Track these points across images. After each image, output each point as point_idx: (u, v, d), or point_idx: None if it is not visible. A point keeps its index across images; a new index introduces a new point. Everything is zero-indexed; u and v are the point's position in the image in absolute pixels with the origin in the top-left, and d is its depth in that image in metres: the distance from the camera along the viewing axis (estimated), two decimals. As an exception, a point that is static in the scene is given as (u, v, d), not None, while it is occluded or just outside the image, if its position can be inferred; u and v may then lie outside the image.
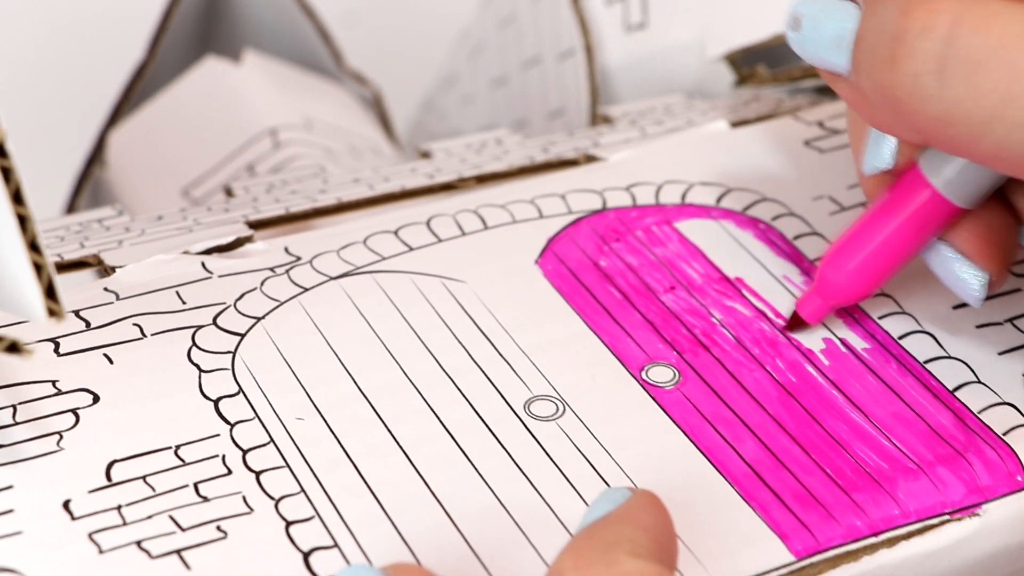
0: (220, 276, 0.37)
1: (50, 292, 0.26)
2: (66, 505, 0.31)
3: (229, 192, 0.44)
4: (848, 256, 0.35)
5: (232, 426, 0.33)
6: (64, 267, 0.38)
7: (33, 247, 0.26)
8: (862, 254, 0.35)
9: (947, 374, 0.35)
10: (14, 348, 0.28)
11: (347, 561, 0.30)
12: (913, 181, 0.34)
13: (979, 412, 0.34)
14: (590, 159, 0.42)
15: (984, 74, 0.30)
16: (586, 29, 0.51)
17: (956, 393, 0.35)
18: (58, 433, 0.33)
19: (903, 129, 0.32)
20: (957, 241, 0.34)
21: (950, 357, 0.36)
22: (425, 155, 0.45)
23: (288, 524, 0.31)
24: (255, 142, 0.50)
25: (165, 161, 0.51)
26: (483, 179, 0.42)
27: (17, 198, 0.26)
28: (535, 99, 0.55)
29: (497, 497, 0.32)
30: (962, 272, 0.34)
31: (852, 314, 0.37)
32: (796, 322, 0.36)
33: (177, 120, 0.52)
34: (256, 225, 0.39)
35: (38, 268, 0.26)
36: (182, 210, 0.42)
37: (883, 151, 0.34)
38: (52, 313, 0.27)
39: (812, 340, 0.36)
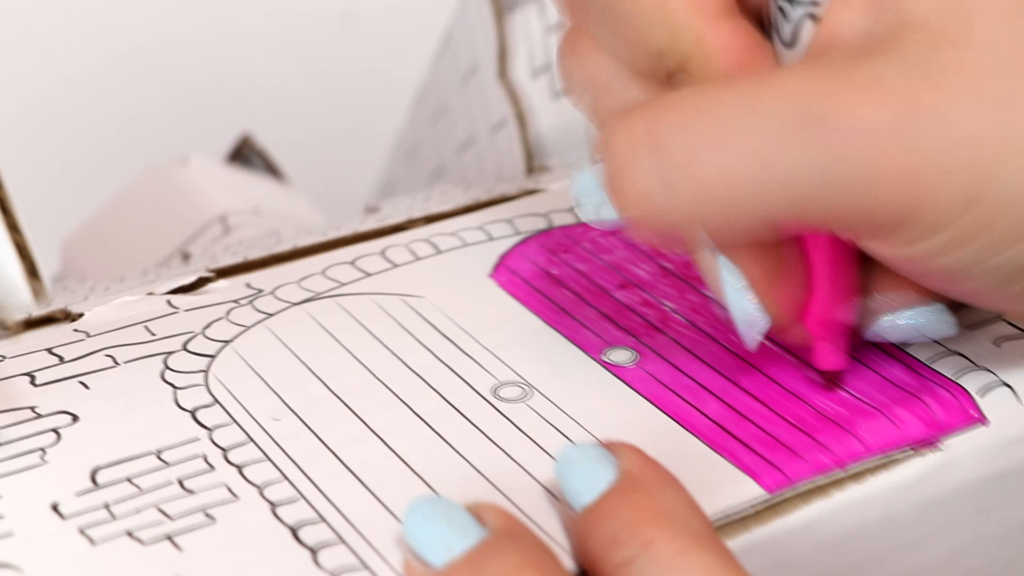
0: (186, 311, 0.38)
1: (32, 272, 0.27)
2: (55, 507, 0.32)
3: (186, 257, 0.45)
4: (817, 302, 0.34)
5: (211, 431, 0.34)
6: (32, 323, 0.39)
7: (13, 228, 0.27)
8: (824, 292, 0.34)
9: (894, 334, 0.37)
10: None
11: (335, 532, 0.31)
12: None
13: (928, 361, 0.36)
14: (532, 192, 0.44)
15: (699, 165, 0.30)
16: (516, 98, 0.53)
17: (905, 349, 0.36)
18: (41, 449, 0.33)
19: (685, 247, 0.33)
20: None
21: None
22: (373, 210, 0.47)
23: (274, 506, 0.32)
24: (206, 229, 0.52)
25: (119, 260, 0.52)
26: (431, 219, 0.43)
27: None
28: (473, 179, 0.57)
29: (476, 468, 0.33)
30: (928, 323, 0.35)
31: (797, 293, 0.38)
32: (830, 375, 0.35)
33: (128, 220, 0.53)
34: (217, 273, 0.40)
35: (20, 249, 0.27)
36: (143, 272, 0.43)
37: (745, 315, 0.34)
38: (36, 294, 0.28)
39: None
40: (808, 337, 0.35)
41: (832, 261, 0.34)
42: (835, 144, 0.29)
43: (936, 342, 0.36)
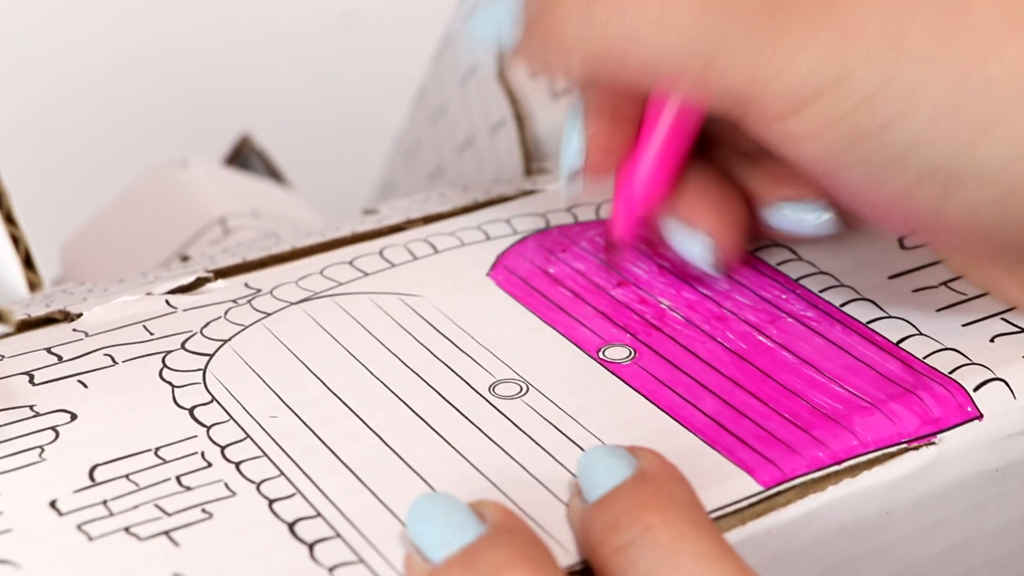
0: (184, 310, 0.38)
1: (28, 263, 0.27)
2: (53, 504, 0.32)
3: (186, 259, 0.45)
4: (633, 166, 0.38)
5: (208, 428, 0.34)
6: (31, 324, 0.39)
7: (8, 219, 0.27)
8: (644, 159, 0.37)
9: (890, 330, 0.37)
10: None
11: (331, 527, 0.31)
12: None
13: (924, 357, 0.36)
14: (529, 192, 0.44)
15: (614, 22, 0.34)
16: (515, 99, 0.53)
17: (900, 344, 0.36)
18: (39, 447, 0.33)
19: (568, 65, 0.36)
20: (679, 213, 0.38)
21: (891, 316, 0.37)
22: (371, 212, 0.47)
23: (271, 502, 0.32)
24: (205, 231, 0.52)
25: (118, 262, 0.53)
26: (429, 219, 0.43)
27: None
28: (471, 179, 0.57)
29: (473, 465, 0.33)
30: (687, 240, 0.38)
31: (794, 290, 0.38)
32: (611, 246, 0.39)
33: (128, 222, 0.53)
34: (216, 273, 0.41)
35: (15, 240, 0.28)
36: (143, 274, 0.43)
37: (571, 151, 0.38)
38: (32, 286, 0.28)
39: (760, 315, 0.38)
40: (612, 199, 0.38)
41: (665, 139, 0.37)
42: (717, 17, 0.33)
43: (932, 338, 0.36)
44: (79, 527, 0.31)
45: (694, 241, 0.38)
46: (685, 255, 0.38)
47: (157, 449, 0.33)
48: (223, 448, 0.33)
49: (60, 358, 0.36)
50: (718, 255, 0.38)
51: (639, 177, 0.38)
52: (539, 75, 0.38)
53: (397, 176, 0.63)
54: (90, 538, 0.31)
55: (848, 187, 0.35)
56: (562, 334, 0.37)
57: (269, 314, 0.38)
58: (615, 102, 0.38)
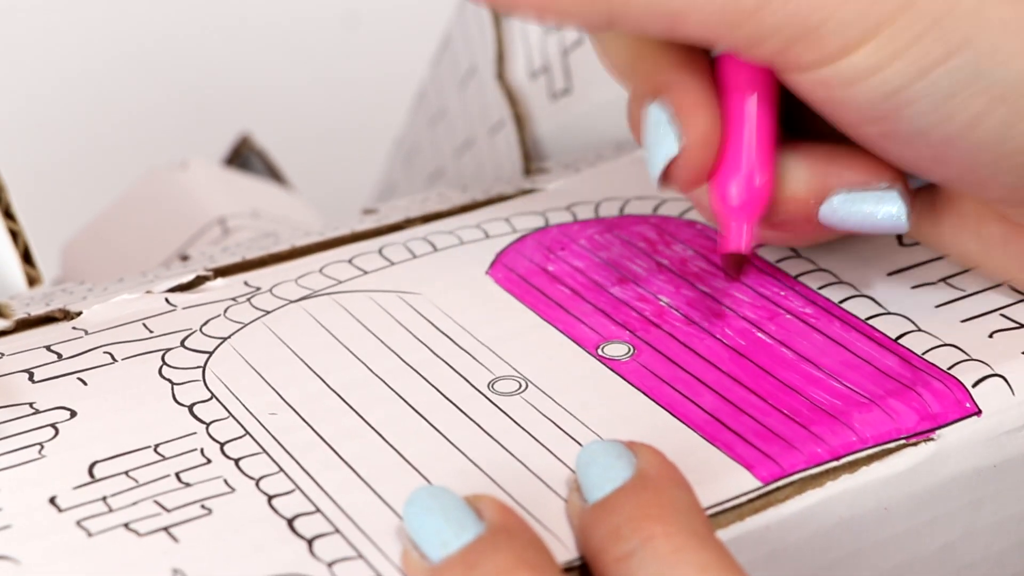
0: (184, 308, 0.38)
1: (27, 258, 0.28)
2: (52, 500, 0.32)
3: (185, 259, 0.45)
4: (731, 168, 0.35)
5: (208, 425, 0.34)
6: (31, 323, 0.39)
7: (7, 215, 0.27)
8: (742, 155, 0.35)
9: (889, 326, 0.37)
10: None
11: (330, 523, 0.31)
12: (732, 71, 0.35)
13: (923, 353, 0.36)
14: (529, 191, 0.44)
15: None
16: (514, 99, 0.53)
17: (899, 340, 0.36)
18: (39, 444, 0.34)
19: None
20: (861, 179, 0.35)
21: (890, 313, 0.37)
22: (370, 212, 0.47)
23: (270, 498, 0.32)
24: (205, 232, 0.52)
25: (119, 263, 0.53)
26: (429, 218, 0.43)
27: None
28: (471, 180, 0.57)
29: (471, 460, 0.33)
30: (877, 204, 0.35)
31: (793, 287, 0.39)
32: (733, 262, 0.36)
33: (128, 223, 0.53)
34: (215, 272, 0.41)
35: (14, 235, 0.28)
36: (143, 273, 0.44)
37: (667, 141, 0.35)
38: (31, 281, 0.28)
39: (758, 311, 0.38)
40: (716, 204, 0.35)
41: (759, 125, 0.35)
42: None
43: (931, 334, 0.36)
44: (79, 523, 0.31)
45: (887, 202, 0.35)
46: (874, 226, 0.35)
47: (156, 446, 0.33)
48: (222, 445, 0.34)
49: (60, 356, 0.36)
50: (907, 201, 0.35)
51: (751, 167, 0.35)
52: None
53: (397, 178, 0.63)
54: (89, 534, 0.31)
55: (906, 128, 0.33)
56: (561, 331, 0.37)
57: (268, 312, 0.38)
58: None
